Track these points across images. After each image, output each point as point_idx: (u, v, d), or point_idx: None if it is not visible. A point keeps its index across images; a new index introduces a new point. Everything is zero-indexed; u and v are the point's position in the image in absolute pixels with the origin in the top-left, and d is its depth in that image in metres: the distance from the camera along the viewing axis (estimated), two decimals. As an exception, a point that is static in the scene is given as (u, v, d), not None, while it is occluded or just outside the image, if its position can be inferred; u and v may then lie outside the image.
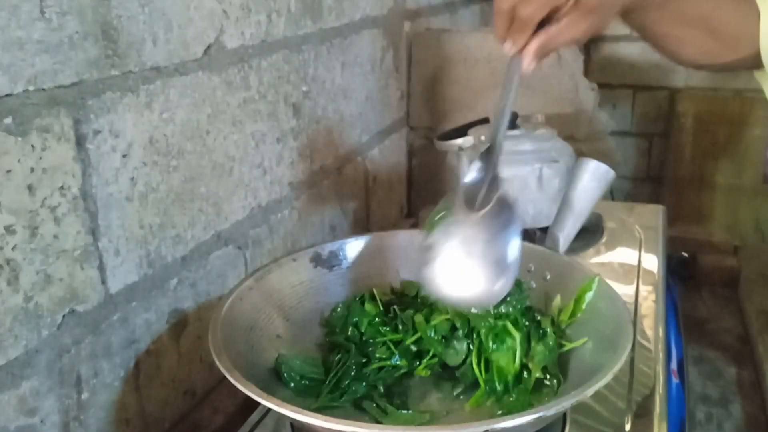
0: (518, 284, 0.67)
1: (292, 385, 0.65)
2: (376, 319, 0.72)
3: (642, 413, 0.67)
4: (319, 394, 0.64)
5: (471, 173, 0.63)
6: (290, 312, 0.72)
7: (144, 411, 0.73)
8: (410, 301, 0.75)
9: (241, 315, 0.66)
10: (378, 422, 0.61)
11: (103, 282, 0.65)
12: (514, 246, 0.60)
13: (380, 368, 0.68)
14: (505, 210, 0.61)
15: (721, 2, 0.77)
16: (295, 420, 0.52)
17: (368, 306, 0.74)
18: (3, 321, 0.55)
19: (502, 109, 0.64)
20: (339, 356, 0.68)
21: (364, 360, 0.68)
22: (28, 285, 0.57)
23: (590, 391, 0.52)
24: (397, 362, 0.68)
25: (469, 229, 0.61)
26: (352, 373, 0.66)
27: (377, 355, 0.68)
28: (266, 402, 0.52)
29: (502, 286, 0.60)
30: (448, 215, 0.62)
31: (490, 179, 0.62)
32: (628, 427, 0.65)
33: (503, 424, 0.50)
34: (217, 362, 0.56)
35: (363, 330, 0.72)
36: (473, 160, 0.64)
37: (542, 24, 0.61)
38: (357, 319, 0.72)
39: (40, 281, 0.58)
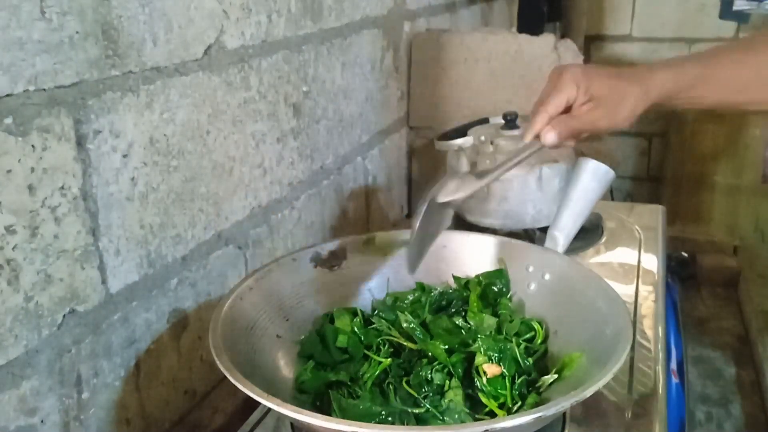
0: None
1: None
2: (354, 331, 0.72)
3: (642, 413, 0.67)
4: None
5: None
6: (290, 312, 0.72)
7: (144, 411, 0.73)
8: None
9: (241, 315, 0.66)
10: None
11: (104, 282, 0.65)
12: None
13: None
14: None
15: (760, 63, 0.77)
16: (295, 420, 0.52)
17: (339, 323, 0.72)
18: (3, 321, 0.55)
19: (508, 164, 0.74)
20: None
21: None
22: (28, 285, 0.57)
23: (590, 391, 0.52)
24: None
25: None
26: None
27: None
28: (266, 402, 0.52)
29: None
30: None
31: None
32: (628, 427, 0.65)
33: (503, 424, 0.50)
34: (218, 362, 0.56)
35: (340, 346, 0.71)
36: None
37: None
38: (330, 338, 0.71)
39: (40, 281, 0.58)
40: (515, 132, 1.02)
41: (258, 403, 0.58)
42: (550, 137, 0.72)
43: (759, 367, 1.92)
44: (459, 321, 0.73)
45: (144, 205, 0.70)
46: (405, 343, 0.70)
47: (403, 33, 1.40)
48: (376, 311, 0.76)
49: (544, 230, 0.98)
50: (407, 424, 0.61)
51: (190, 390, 0.80)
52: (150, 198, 0.70)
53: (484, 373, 0.65)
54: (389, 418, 0.61)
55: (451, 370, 0.66)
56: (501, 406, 0.62)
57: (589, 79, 0.72)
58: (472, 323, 0.72)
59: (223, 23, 0.79)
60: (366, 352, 0.70)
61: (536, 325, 0.71)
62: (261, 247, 0.92)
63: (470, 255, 0.80)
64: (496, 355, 0.66)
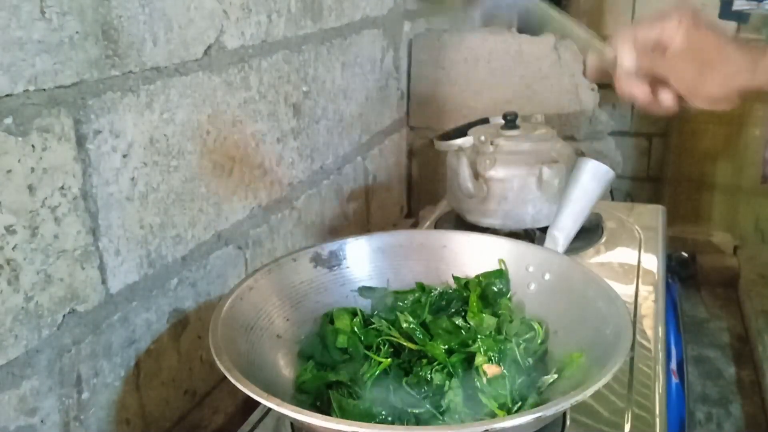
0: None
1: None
2: (353, 331, 0.72)
3: (642, 413, 0.67)
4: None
5: None
6: (290, 312, 0.72)
7: (144, 411, 0.73)
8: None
9: (241, 315, 0.66)
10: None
11: (104, 282, 0.65)
12: None
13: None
14: None
15: None
16: (295, 420, 0.52)
17: (339, 323, 0.72)
18: (3, 321, 0.55)
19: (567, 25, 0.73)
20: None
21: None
22: (28, 285, 0.57)
23: (590, 391, 0.52)
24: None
25: None
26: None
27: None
28: (266, 402, 0.52)
29: None
30: None
31: None
32: (627, 427, 0.65)
33: (503, 424, 0.50)
34: (218, 362, 0.56)
35: (340, 346, 0.71)
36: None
37: None
38: (329, 338, 0.71)
39: (40, 281, 0.58)
40: (516, 132, 1.02)
41: (258, 403, 0.58)
42: (627, 55, 0.65)
43: (759, 367, 1.92)
44: (459, 321, 0.73)
45: (144, 205, 0.69)
46: (405, 344, 0.70)
47: (403, 33, 1.40)
48: (376, 311, 0.76)
49: (544, 230, 0.98)
50: (407, 424, 0.61)
51: (190, 390, 0.80)
52: (150, 198, 0.70)
53: (484, 373, 0.65)
54: (389, 418, 0.61)
55: (451, 370, 0.66)
56: (501, 406, 0.62)
57: (696, 24, 0.63)
58: (472, 323, 0.72)
59: (223, 23, 0.79)
60: (366, 352, 0.70)
61: (536, 325, 0.71)
62: (261, 247, 0.92)
63: (470, 255, 0.80)
64: (496, 355, 0.66)
